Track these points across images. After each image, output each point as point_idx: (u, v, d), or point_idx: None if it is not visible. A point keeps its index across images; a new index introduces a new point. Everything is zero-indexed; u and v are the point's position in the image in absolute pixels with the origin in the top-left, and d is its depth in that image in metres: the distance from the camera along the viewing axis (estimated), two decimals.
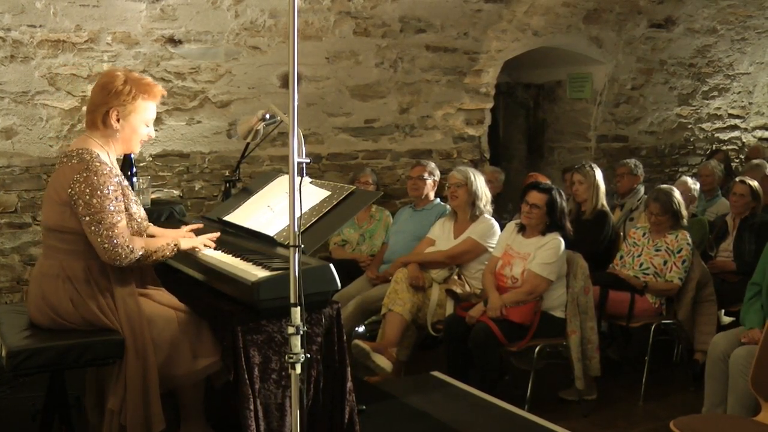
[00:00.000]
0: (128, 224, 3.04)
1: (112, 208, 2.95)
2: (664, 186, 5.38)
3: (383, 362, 4.71)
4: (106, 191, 2.95)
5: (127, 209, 3.06)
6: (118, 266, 3.00)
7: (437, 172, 5.89)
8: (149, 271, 3.25)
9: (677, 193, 5.27)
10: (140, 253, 3.01)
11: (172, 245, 3.18)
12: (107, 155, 3.10)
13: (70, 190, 2.95)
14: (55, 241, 3.06)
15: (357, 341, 4.80)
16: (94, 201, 2.93)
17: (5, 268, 5.40)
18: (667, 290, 5.06)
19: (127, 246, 2.97)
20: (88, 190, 2.93)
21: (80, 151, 3.02)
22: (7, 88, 5.15)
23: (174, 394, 3.23)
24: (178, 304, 3.19)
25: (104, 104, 3.06)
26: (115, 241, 2.94)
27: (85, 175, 2.94)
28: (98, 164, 2.98)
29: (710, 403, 4.25)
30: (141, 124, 3.13)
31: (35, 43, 5.10)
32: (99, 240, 2.94)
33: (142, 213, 3.21)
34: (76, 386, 3.50)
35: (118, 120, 3.07)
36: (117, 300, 3.04)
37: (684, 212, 5.24)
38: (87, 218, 2.94)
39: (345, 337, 3.27)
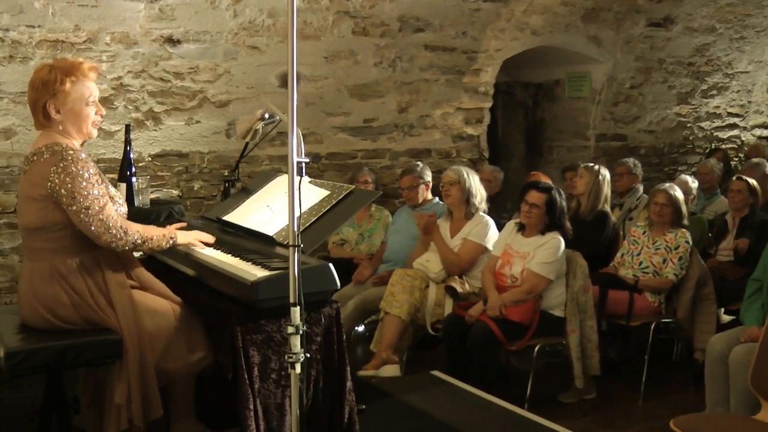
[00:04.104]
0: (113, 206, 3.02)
1: (96, 192, 2.93)
2: (666, 184, 5.39)
3: (390, 371, 4.73)
4: (87, 175, 2.92)
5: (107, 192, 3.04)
6: (114, 250, 2.96)
7: (427, 172, 5.76)
8: (133, 260, 3.21)
9: (678, 191, 5.27)
10: (135, 236, 2.99)
11: (169, 237, 3.16)
12: (74, 144, 3.05)
13: (49, 183, 2.90)
14: (41, 242, 3.01)
15: (361, 373, 4.73)
16: (78, 188, 2.89)
17: (4, 268, 5.39)
18: (660, 286, 5.05)
19: (120, 227, 2.94)
20: (68, 179, 2.89)
21: (49, 146, 2.98)
22: (6, 88, 5.14)
23: (165, 390, 3.21)
24: (172, 295, 3.18)
25: (39, 100, 2.99)
26: (108, 224, 2.92)
27: (62, 165, 2.90)
28: (72, 152, 2.95)
29: (712, 403, 4.22)
30: (82, 107, 3.03)
31: (34, 44, 5.09)
32: (92, 227, 2.91)
33: (119, 194, 3.18)
34: (74, 386, 3.49)
35: (57, 111, 3.00)
36: (113, 294, 3.02)
37: (684, 210, 5.23)
38: (74, 207, 2.90)
39: (344, 337, 3.27)
